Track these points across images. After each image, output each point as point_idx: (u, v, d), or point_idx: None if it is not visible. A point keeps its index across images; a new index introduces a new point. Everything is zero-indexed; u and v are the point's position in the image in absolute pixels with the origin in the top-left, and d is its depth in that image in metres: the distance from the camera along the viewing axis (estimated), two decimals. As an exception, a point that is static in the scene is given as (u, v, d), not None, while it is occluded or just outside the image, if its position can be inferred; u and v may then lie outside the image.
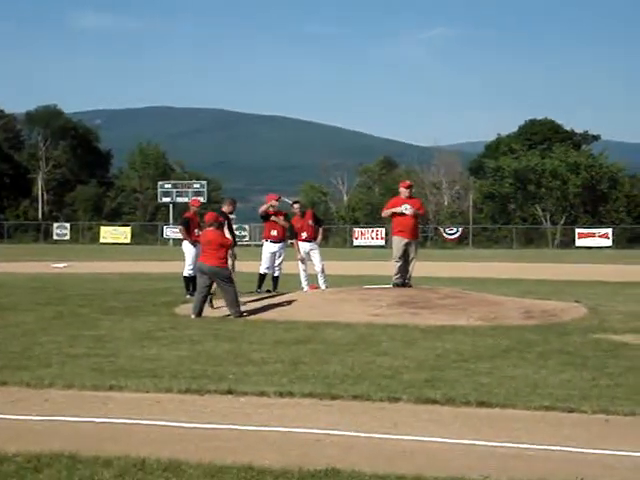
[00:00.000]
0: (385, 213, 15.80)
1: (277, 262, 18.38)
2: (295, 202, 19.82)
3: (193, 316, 13.98)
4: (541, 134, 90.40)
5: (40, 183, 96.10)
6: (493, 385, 8.28)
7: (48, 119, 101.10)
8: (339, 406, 7.55)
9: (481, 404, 7.50)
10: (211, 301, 15.22)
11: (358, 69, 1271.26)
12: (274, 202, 18.63)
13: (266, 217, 18.48)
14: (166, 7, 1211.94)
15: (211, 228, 14.41)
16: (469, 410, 7.37)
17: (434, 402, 7.58)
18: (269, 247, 18.31)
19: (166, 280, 16.70)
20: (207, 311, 14.42)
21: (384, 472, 5.57)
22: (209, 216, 14.81)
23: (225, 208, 16.51)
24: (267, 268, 18.26)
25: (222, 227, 14.77)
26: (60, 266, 31.30)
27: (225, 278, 14.10)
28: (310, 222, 18.34)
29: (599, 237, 70.40)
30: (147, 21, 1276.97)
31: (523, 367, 9.36)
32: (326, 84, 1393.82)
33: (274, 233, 18.24)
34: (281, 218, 18.36)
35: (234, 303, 14.07)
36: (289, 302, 14.80)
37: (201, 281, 14.26)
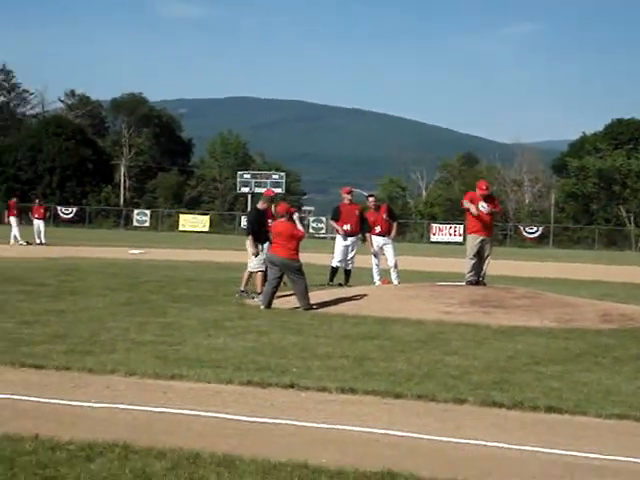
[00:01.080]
0: (466, 204, 15.34)
1: (350, 256, 18.18)
2: (370, 195, 19.65)
3: (262, 307, 13.91)
4: (627, 134, 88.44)
5: (122, 170, 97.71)
6: (563, 390, 7.96)
7: (133, 107, 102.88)
8: (402, 405, 7.34)
9: (550, 409, 7.20)
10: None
11: (440, 63, 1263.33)
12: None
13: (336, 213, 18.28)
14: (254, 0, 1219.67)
15: (282, 219, 14.29)
16: (537, 415, 7.09)
17: (501, 406, 7.30)
18: (341, 240, 18.12)
19: (239, 270, 16.62)
20: (275, 302, 14.31)
21: (444, 477, 5.35)
22: (281, 207, 14.70)
23: (260, 205, 16.29)
24: (339, 261, 18.08)
25: (293, 219, 14.62)
26: (137, 252, 31.61)
27: (296, 270, 13.97)
28: (384, 216, 18.14)
29: (684, 240, 68.65)
30: (234, 12, 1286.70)
31: (596, 372, 9.01)
32: (407, 78, 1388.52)
33: (347, 227, 18.04)
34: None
35: (304, 295, 13.92)
36: (359, 296, 14.60)
37: (272, 272, 14.16)
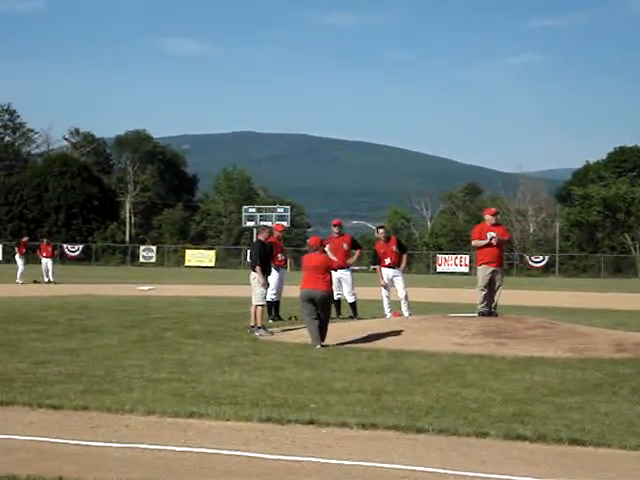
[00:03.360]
0: (475, 243, 15.49)
1: (346, 288, 18.16)
2: (380, 227, 19.63)
3: (318, 346, 13.30)
4: (631, 161, 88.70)
5: (128, 206, 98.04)
6: (585, 422, 7.91)
7: (137, 144, 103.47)
8: (424, 440, 7.29)
9: (573, 442, 7.14)
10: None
11: (441, 94, 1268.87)
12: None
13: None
14: (251, 35, 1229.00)
15: (317, 252, 14.13)
16: (561, 448, 7.03)
17: (524, 439, 7.25)
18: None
19: (248, 304, 16.63)
20: (287, 336, 14.26)
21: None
22: (314, 241, 14.60)
23: (261, 236, 16.28)
24: (337, 294, 17.97)
25: (325, 251, 14.58)
26: (145, 289, 31.62)
27: (329, 305, 13.86)
28: (394, 248, 18.14)
29: (691, 267, 68.57)
30: (231, 48, 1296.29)
31: (616, 403, 8.96)
32: (409, 109, 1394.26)
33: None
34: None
35: (323, 332, 13.60)
36: (372, 329, 14.56)
37: (310, 309, 13.54)
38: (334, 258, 17.86)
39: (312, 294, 13.60)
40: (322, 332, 13.61)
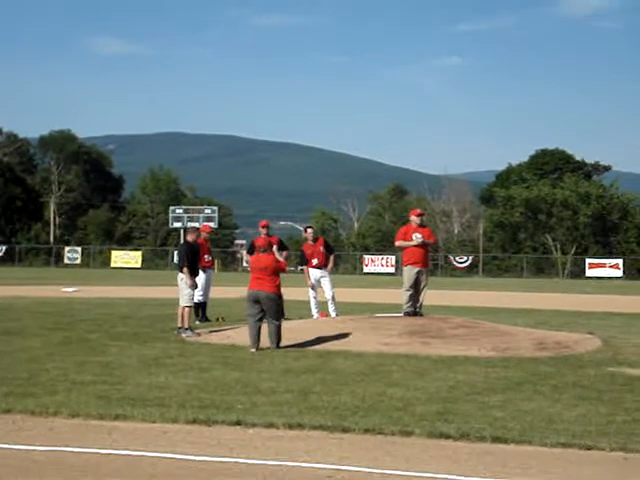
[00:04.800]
0: (398, 244, 15.65)
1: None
2: (308, 227, 19.62)
3: (253, 350, 13.13)
4: (552, 164, 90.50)
5: (52, 207, 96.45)
6: (507, 419, 8.07)
7: (62, 144, 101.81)
8: (350, 439, 7.37)
9: (496, 439, 7.29)
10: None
11: (369, 96, 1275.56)
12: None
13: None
14: (180, 35, 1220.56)
15: (265, 253, 13.89)
16: (484, 446, 7.17)
17: (448, 437, 7.38)
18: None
19: (175, 306, 16.53)
20: (214, 338, 14.23)
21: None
22: (261, 241, 14.48)
23: (189, 237, 16.22)
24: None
25: (273, 250, 14.40)
26: (70, 290, 31.19)
27: (279, 307, 13.58)
28: (321, 249, 18.18)
29: (609, 267, 70.19)
30: (160, 48, 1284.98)
31: (537, 401, 9.16)
32: (337, 111, 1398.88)
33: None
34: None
35: (279, 334, 13.44)
36: (299, 329, 14.61)
37: (254, 310, 13.38)
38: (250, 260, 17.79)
39: (257, 295, 13.41)
40: (277, 336, 13.41)
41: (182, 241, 18.52)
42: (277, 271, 13.66)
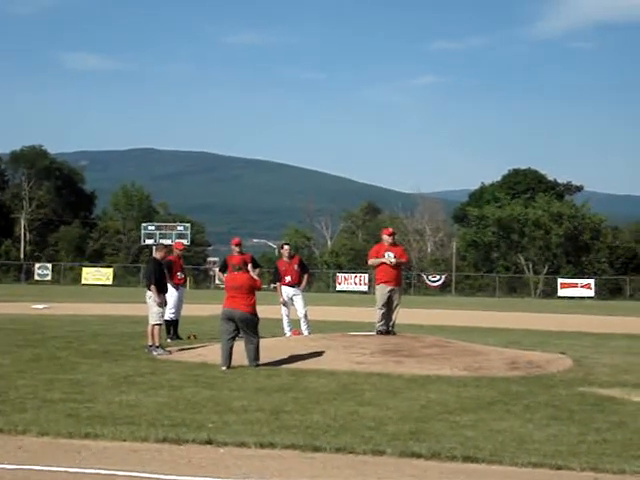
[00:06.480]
0: (371, 262, 15.66)
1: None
2: (285, 244, 19.55)
3: (224, 368, 13.02)
4: (524, 184, 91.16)
5: (23, 223, 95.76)
6: (479, 439, 8.07)
7: (33, 159, 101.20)
8: (322, 459, 7.33)
9: (467, 459, 7.27)
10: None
11: (342, 113, 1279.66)
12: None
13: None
14: (153, 52, 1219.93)
15: (240, 272, 13.82)
16: (455, 465, 7.16)
17: (419, 456, 7.36)
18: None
19: (146, 324, 16.46)
20: (186, 355, 14.15)
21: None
22: (236, 259, 14.38)
23: (158, 254, 16.17)
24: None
25: (248, 269, 14.28)
26: (40, 307, 30.95)
27: (254, 326, 13.41)
28: (296, 267, 18.15)
29: (581, 287, 70.65)
30: (134, 64, 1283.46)
31: (509, 420, 9.16)
32: (310, 128, 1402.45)
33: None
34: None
35: (257, 353, 13.34)
36: (271, 348, 14.55)
37: (227, 328, 13.27)
38: (223, 278, 17.65)
39: (232, 314, 13.31)
40: (256, 354, 13.32)
41: (150, 258, 18.40)
42: (253, 289, 13.57)
